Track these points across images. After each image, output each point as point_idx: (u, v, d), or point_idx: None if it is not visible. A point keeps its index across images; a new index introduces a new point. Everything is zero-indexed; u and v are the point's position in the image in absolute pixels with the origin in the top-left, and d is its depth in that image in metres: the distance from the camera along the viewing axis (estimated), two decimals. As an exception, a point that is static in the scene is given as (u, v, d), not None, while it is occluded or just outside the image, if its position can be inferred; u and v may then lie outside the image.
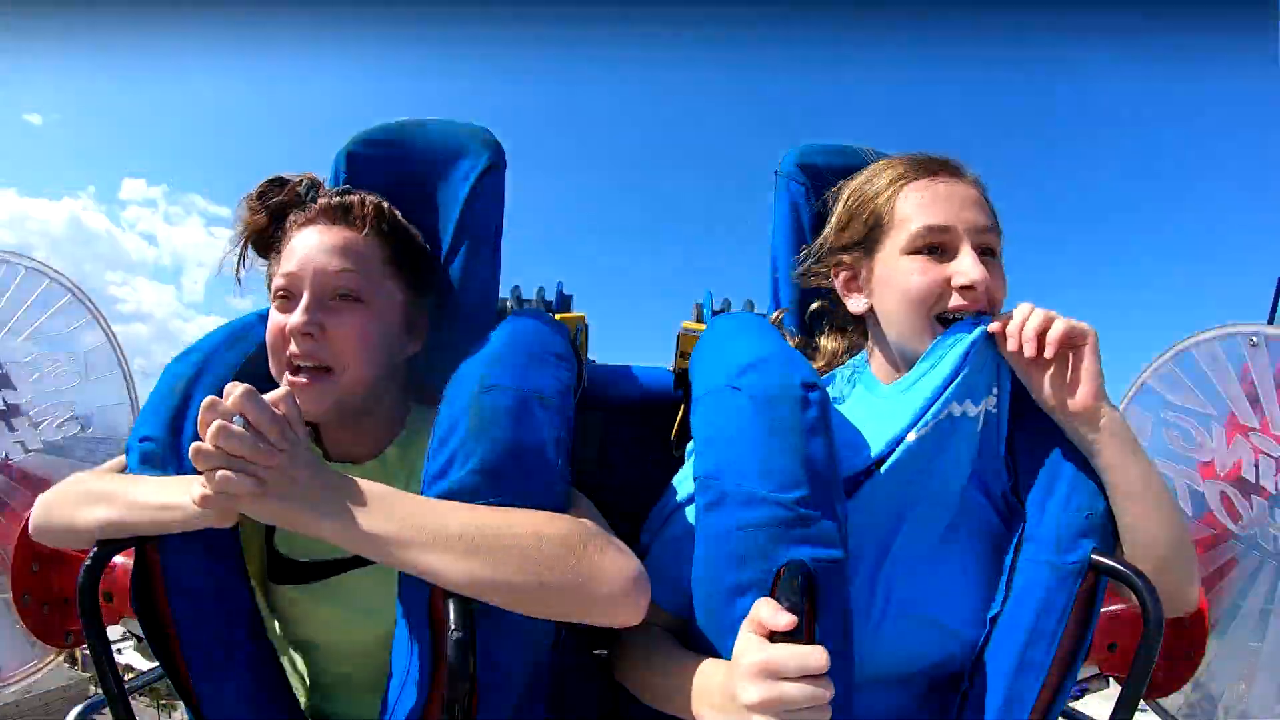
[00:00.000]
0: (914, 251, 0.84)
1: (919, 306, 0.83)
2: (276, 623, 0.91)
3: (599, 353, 1.35)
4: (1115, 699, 0.76)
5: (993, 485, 0.86)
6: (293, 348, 0.81)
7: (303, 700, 0.92)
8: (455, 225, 0.98)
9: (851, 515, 0.77)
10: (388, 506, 0.69)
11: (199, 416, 0.65)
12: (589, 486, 0.84)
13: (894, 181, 0.87)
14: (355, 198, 0.89)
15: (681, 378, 1.05)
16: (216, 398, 0.66)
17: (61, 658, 1.32)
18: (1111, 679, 0.97)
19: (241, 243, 0.92)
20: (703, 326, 1.12)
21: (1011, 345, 0.79)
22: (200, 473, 0.66)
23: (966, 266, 0.81)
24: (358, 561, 0.86)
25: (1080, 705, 1.00)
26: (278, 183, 0.91)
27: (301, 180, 0.91)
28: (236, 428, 0.65)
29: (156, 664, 0.79)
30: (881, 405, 0.86)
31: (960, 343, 0.80)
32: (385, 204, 0.91)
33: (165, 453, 0.79)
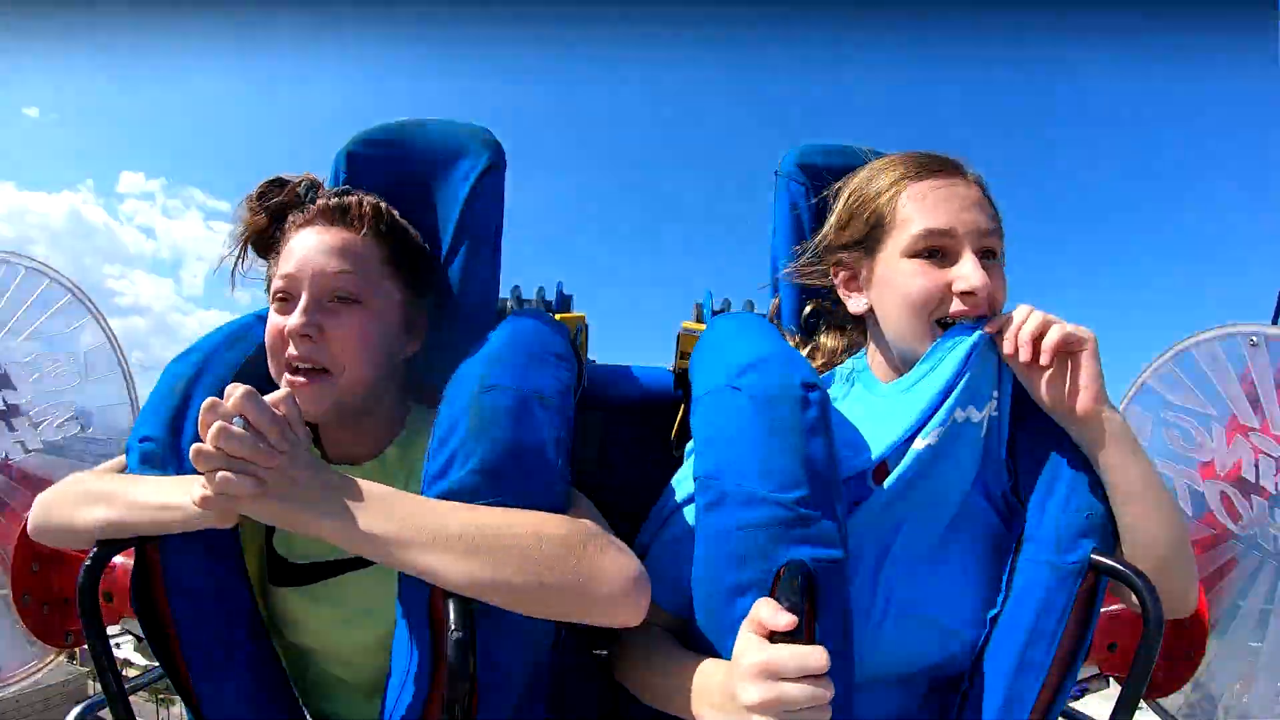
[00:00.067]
0: (915, 254, 0.83)
1: (919, 310, 0.83)
2: (275, 624, 0.92)
3: (599, 353, 1.35)
4: (1115, 699, 0.76)
5: (993, 486, 0.86)
6: (291, 350, 0.81)
7: (302, 701, 0.92)
8: (455, 225, 0.98)
9: (854, 519, 0.77)
10: (388, 507, 0.69)
11: (199, 417, 0.65)
12: (589, 486, 0.84)
13: (895, 182, 0.87)
14: (353, 198, 0.89)
15: (681, 378, 1.05)
16: (217, 399, 0.66)
17: (62, 657, 1.32)
18: (1111, 679, 0.97)
19: (241, 243, 0.92)
20: (703, 326, 1.12)
21: (1008, 349, 0.80)
22: (200, 473, 0.66)
23: (968, 272, 0.81)
24: (357, 563, 0.86)
25: (1080, 705, 1.00)
26: (277, 183, 0.91)
27: (301, 181, 0.91)
28: (237, 429, 0.65)
29: (156, 664, 0.79)
30: (881, 405, 0.86)
31: (960, 345, 0.80)
32: (383, 204, 0.91)
33: (165, 453, 0.79)
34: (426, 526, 0.67)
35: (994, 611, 0.81)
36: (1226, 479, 1.22)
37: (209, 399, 0.66)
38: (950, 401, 0.79)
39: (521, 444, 0.73)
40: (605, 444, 1.26)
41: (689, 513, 0.82)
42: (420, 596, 0.71)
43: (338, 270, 0.83)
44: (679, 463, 0.92)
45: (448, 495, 0.71)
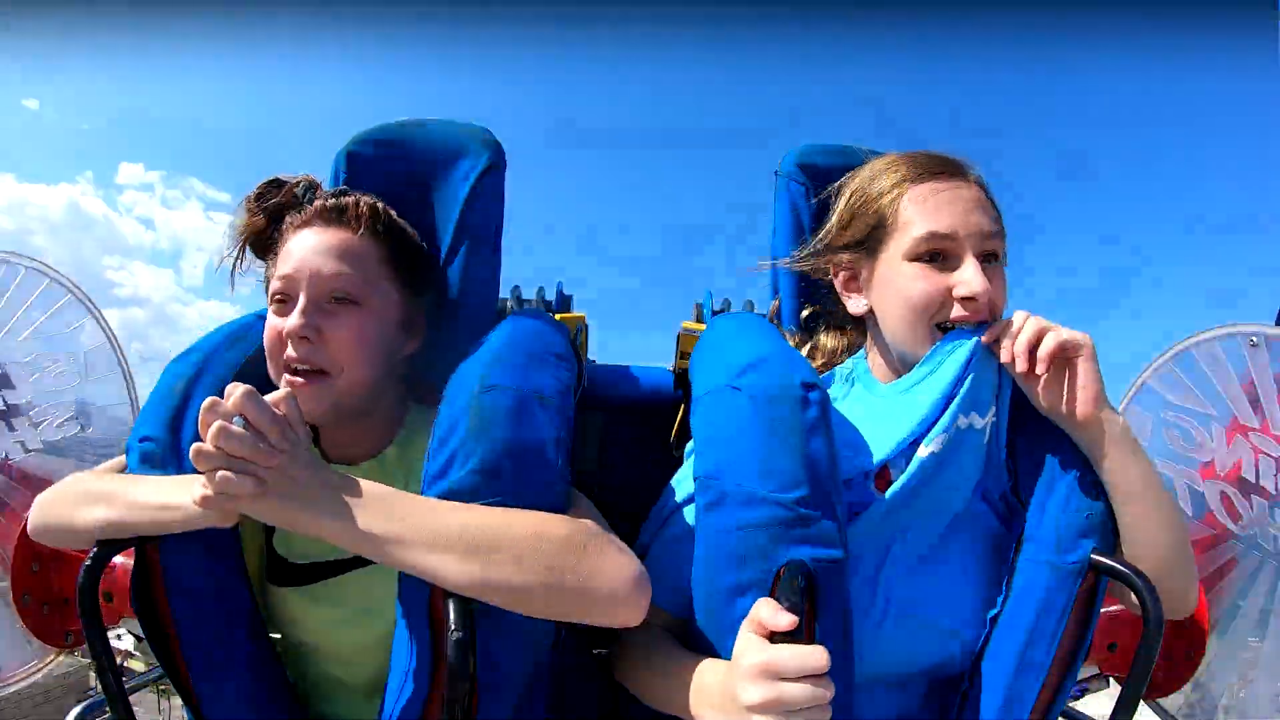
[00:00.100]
0: (916, 257, 0.83)
1: (920, 314, 0.83)
2: (275, 624, 0.91)
3: (599, 353, 1.35)
4: (1115, 699, 0.76)
5: (993, 488, 0.86)
6: (290, 351, 0.81)
7: (302, 701, 0.92)
8: (455, 225, 0.98)
9: (857, 527, 0.77)
10: (388, 506, 0.69)
11: (200, 417, 0.65)
12: (589, 486, 0.84)
13: (897, 183, 0.86)
14: (349, 199, 0.89)
15: (681, 378, 1.05)
16: (217, 398, 0.66)
17: (62, 655, 1.32)
18: (1111, 679, 0.97)
19: (240, 244, 0.92)
20: (703, 326, 1.12)
21: (1004, 357, 0.80)
22: (201, 473, 0.66)
23: (969, 277, 0.80)
24: (357, 562, 0.86)
25: (1080, 705, 1.00)
26: (276, 184, 0.91)
27: (299, 182, 0.91)
28: (237, 428, 0.65)
29: (156, 664, 0.79)
30: (880, 405, 0.86)
31: (960, 350, 0.80)
32: (380, 204, 0.90)
33: (165, 453, 0.79)
34: (426, 526, 0.67)
35: (994, 612, 0.81)
36: (1227, 479, 1.22)
37: (209, 398, 0.66)
38: (953, 408, 0.79)
39: (521, 444, 0.73)
40: (605, 444, 1.25)
41: (689, 513, 0.82)
42: (420, 596, 0.71)
43: (335, 271, 0.83)
44: (679, 463, 0.92)
45: (448, 495, 0.71)
